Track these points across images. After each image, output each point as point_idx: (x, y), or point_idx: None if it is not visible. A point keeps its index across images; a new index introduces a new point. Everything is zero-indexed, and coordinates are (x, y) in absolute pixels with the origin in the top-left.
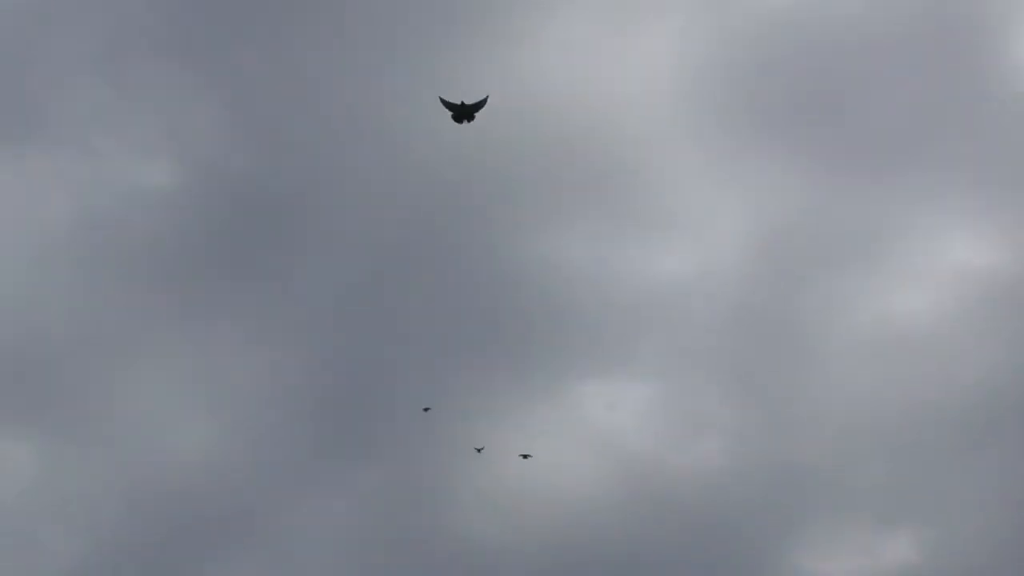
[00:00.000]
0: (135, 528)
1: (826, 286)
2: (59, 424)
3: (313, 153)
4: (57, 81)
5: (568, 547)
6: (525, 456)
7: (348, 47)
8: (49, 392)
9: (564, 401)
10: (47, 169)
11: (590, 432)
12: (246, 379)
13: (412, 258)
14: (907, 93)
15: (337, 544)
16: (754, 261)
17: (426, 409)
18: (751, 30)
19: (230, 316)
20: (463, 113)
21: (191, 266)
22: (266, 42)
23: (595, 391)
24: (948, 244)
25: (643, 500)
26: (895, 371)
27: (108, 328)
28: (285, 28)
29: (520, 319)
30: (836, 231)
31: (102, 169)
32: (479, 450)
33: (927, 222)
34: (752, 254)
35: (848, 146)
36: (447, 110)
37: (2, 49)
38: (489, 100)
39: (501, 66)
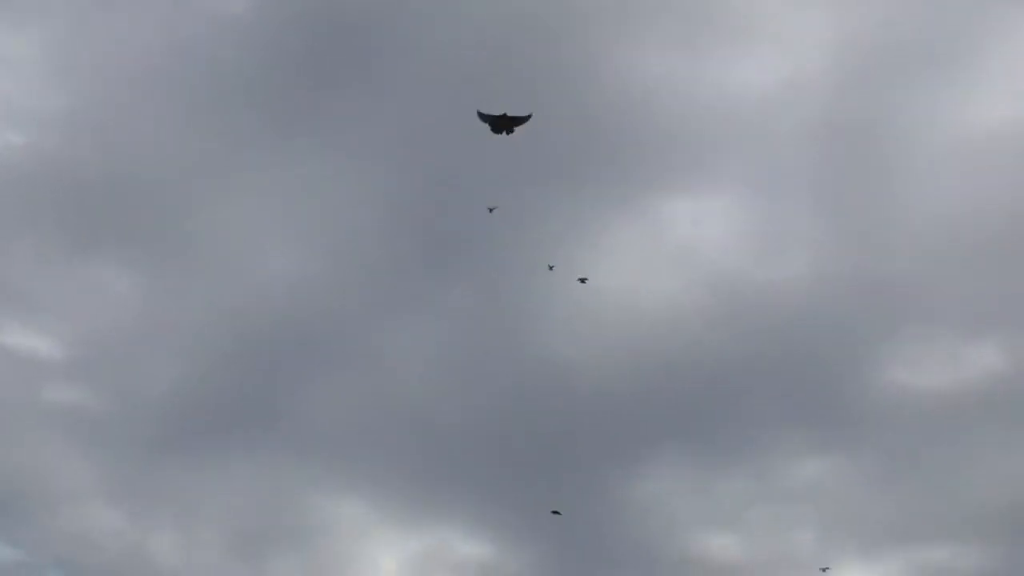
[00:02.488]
0: (234, 350)
1: (915, 95)
2: (157, 251)
3: None
4: None
5: (652, 365)
6: (583, 280)
7: None
8: (146, 220)
9: (647, 217)
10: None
11: (674, 249)
12: (336, 198)
13: (491, 73)
14: None
15: (427, 361)
16: (840, 69)
17: (491, 209)
18: None
19: (318, 137)
20: (502, 125)
21: (279, 87)
22: None
23: (678, 206)
24: None
25: (728, 317)
26: (985, 181)
27: (200, 154)
28: None
29: (600, 134)
30: (926, 37)
31: None
32: (551, 268)
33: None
34: (838, 62)
35: None
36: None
37: None
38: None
39: None
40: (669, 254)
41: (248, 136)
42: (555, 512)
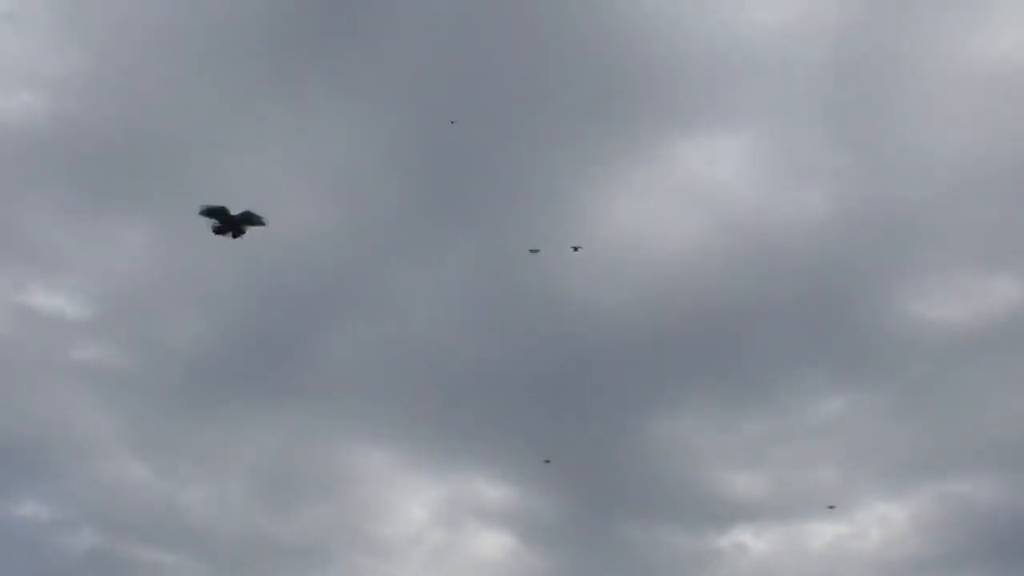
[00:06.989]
0: (255, 302)
1: (929, 27)
2: (175, 206)
3: None
4: None
5: (672, 306)
6: (576, 248)
7: None
8: (163, 176)
9: (662, 157)
10: None
11: (690, 187)
12: (351, 147)
13: (499, 13)
14: None
15: (448, 307)
16: (852, 4)
17: (452, 122)
18: None
19: (331, 87)
20: (227, 225)
21: (289, 39)
22: None
23: (693, 145)
24: None
25: (746, 255)
26: (1004, 110)
27: (215, 108)
28: None
29: (613, 75)
30: None
31: None
32: (534, 251)
33: None
34: None
35: None
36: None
37: None
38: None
39: None
40: (685, 194)
41: (261, 89)
42: (546, 461)
